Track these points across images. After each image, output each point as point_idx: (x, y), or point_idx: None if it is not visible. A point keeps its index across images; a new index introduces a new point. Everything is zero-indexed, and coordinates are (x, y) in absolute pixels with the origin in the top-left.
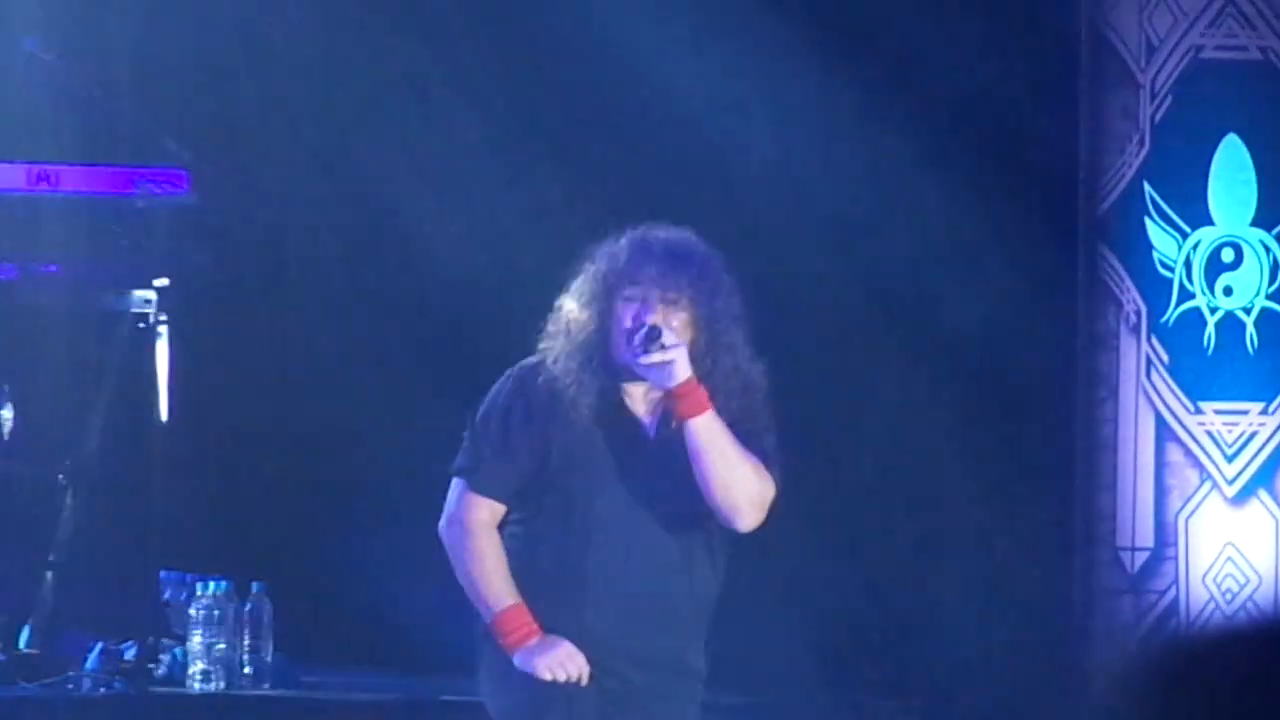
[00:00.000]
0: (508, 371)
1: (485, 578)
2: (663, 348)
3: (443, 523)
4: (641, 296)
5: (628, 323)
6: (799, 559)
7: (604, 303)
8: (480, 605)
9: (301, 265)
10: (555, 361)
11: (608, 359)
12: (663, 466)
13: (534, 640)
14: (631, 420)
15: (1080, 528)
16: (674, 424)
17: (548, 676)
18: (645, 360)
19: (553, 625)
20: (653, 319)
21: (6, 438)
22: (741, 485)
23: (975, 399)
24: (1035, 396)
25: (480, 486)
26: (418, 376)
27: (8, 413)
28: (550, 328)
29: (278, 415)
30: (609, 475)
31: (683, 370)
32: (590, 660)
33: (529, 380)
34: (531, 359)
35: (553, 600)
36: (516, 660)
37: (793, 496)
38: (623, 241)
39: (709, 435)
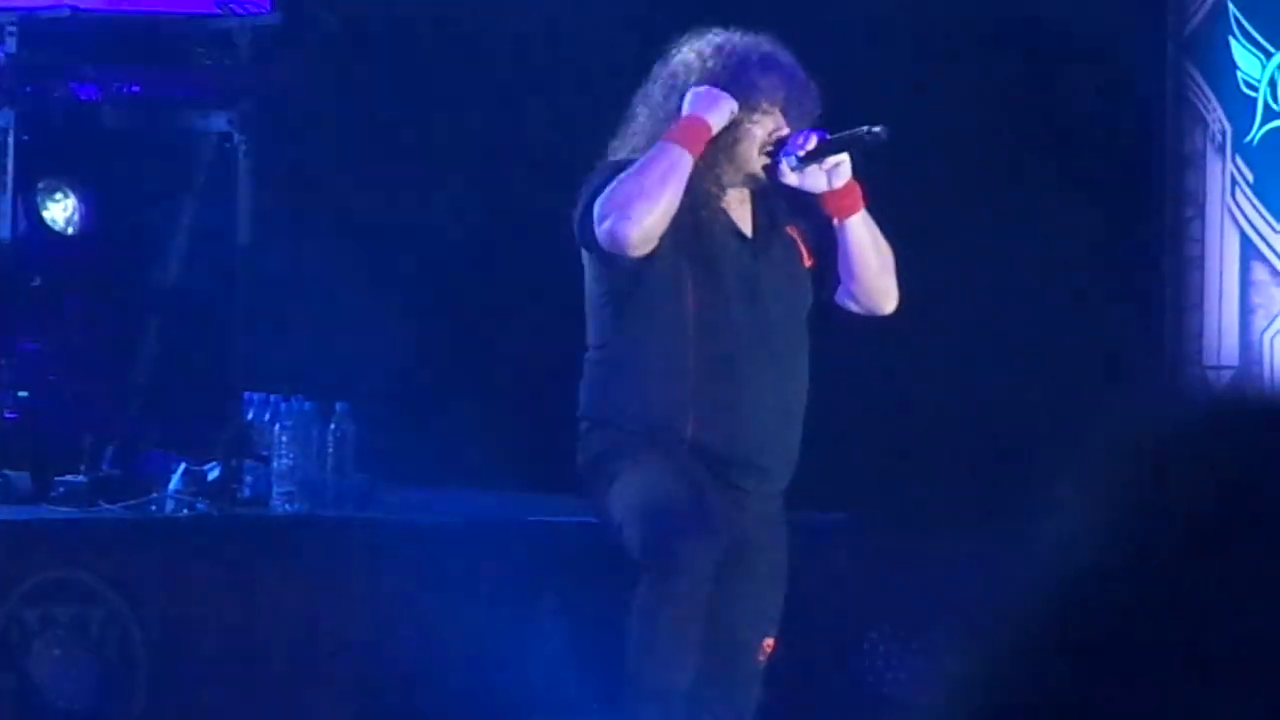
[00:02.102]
0: (602, 164)
1: (654, 157)
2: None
3: (606, 218)
4: (773, 111)
5: (763, 135)
6: (887, 376)
7: (730, 118)
8: (678, 159)
9: (385, 83)
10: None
11: (736, 168)
12: (769, 271)
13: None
14: (738, 229)
15: (1169, 348)
16: (836, 222)
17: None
18: (822, 167)
19: (704, 430)
20: (785, 132)
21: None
22: (890, 266)
23: (1063, 222)
24: (1124, 218)
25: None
26: (506, 192)
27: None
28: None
29: (361, 234)
30: (733, 284)
31: (848, 170)
32: (731, 461)
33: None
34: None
35: (704, 408)
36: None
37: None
38: (740, 52)
39: (867, 227)
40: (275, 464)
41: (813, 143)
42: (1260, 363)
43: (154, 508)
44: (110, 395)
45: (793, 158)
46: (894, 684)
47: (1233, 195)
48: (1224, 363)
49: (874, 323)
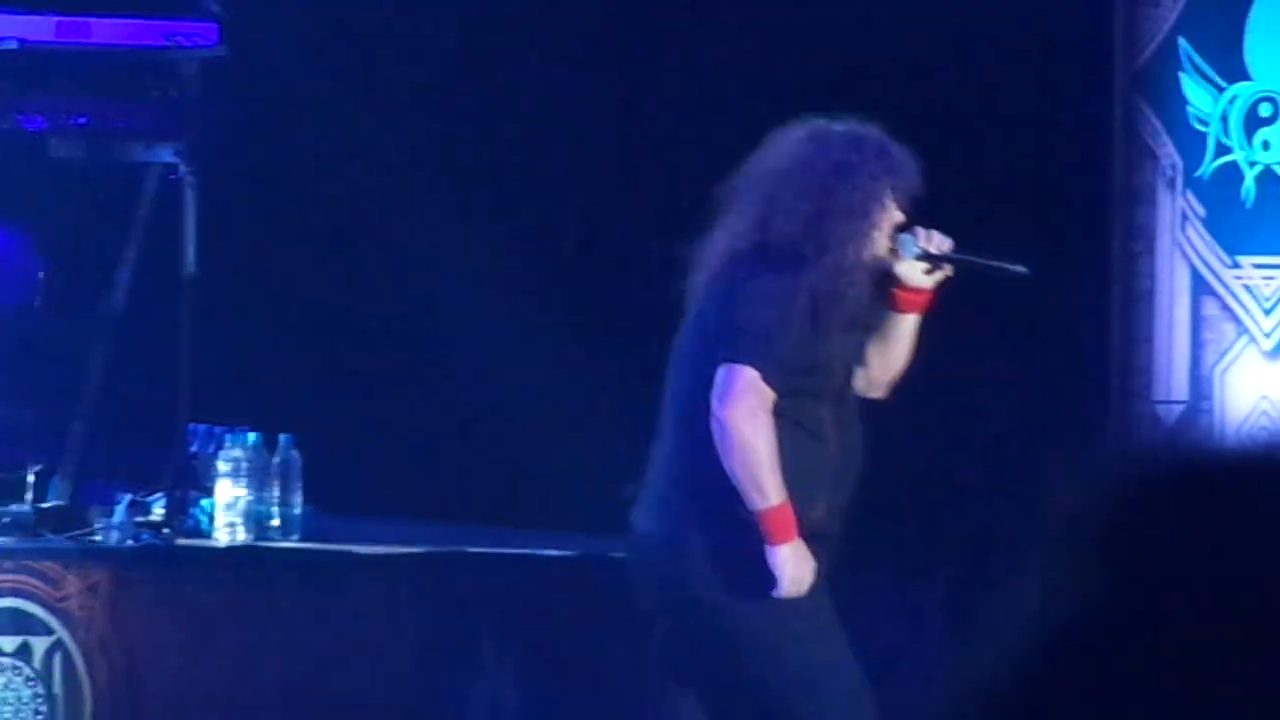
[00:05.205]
0: (778, 277)
1: (774, 468)
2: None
3: (736, 410)
4: (894, 202)
5: (888, 227)
6: None
7: (879, 208)
8: (757, 493)
9: (331, 116)
10: (841, 269)
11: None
12: (858, 349)
13: (798, 540)
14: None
15: (1116, 382)
16: (893, 314)
17: (785, 592)
18: (934, 270)
19: (828, 510)
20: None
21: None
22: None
23: (1010, 255)
24: (1072, 251)
25: (774, 382)
26: (451, 226)
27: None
28: (791, 227)
29: (307, 267)
30: (851, 370)
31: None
32: (825, 542)
33: (805, 282)
34: (787, 263)
35: (821, 486)
36: (774, 553)
37: None
38: (877, 143)
39: (916, 324)
40: (219, 495)
41: (946, 245)
42: (1210, 398)
43: (99, 539)
44: (55, 426)
45: (916, 249)
46: None
47: (1183, 230)
48: (1173, 397)
49: None
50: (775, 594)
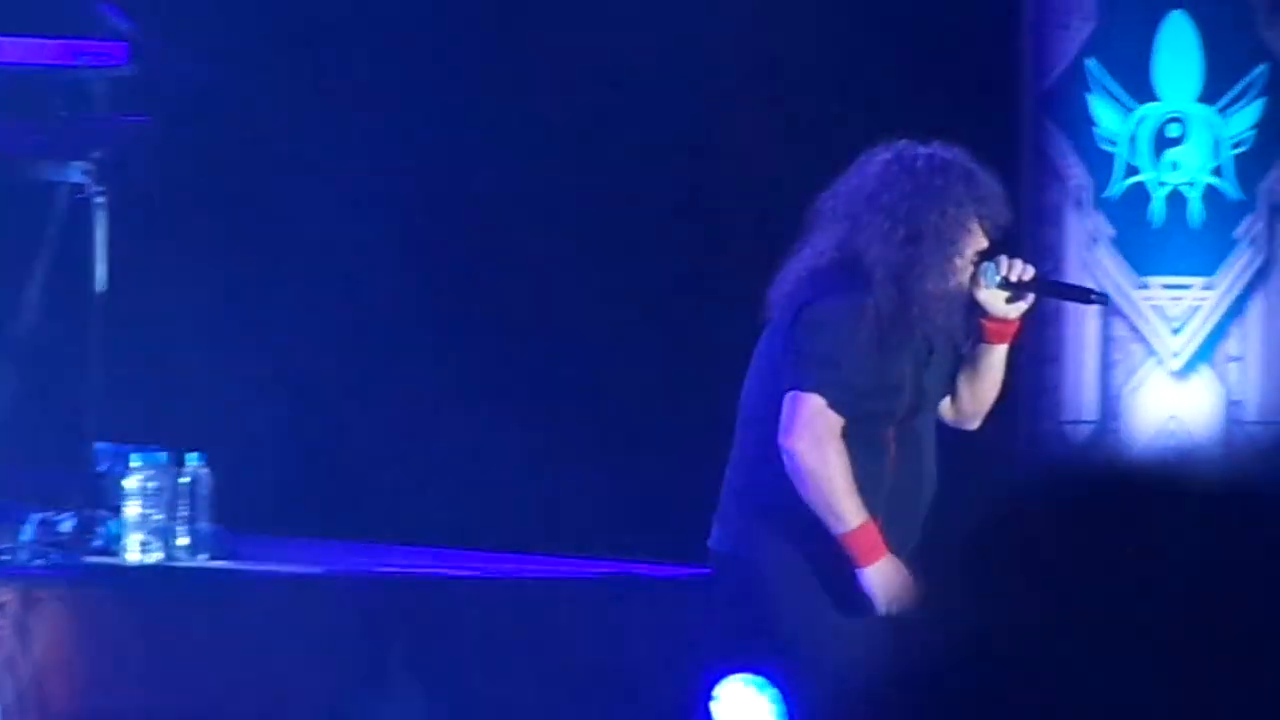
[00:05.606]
0: (846, 299)
1: (850, 492)
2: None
3: (801, 440)
4: (980, 228)
5: (972, 254)
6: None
7: (964, 233)
8: (834, 518)
9: (241, 133)
10: (921, 293)
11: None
12: (936, 385)
13: (887, 558)
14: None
15: (1025, 402)
16: (980, 344)
17: (884, 611)
18: (1015, 299)
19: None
20: (985, 245)
21: None
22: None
23: None
24: None
25: (841, 407)
26: (364, 242)
27: None
28: (881, 251)
29: (216, 286)
30: (928, 396)
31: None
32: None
33: (871, 302)
34: (854, 284)
35: (878, 503)
36: (864, 575)
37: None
38: (963, 168)
39: (1005, 356)
40: (127, 514)
41: (1029, 274)
42: (1119, 418)
43: (7, 558)
44: None
45: (997, 277)
46: None
47: (1091, 250)
48: (1082, 418)
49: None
50: (880, 611)
